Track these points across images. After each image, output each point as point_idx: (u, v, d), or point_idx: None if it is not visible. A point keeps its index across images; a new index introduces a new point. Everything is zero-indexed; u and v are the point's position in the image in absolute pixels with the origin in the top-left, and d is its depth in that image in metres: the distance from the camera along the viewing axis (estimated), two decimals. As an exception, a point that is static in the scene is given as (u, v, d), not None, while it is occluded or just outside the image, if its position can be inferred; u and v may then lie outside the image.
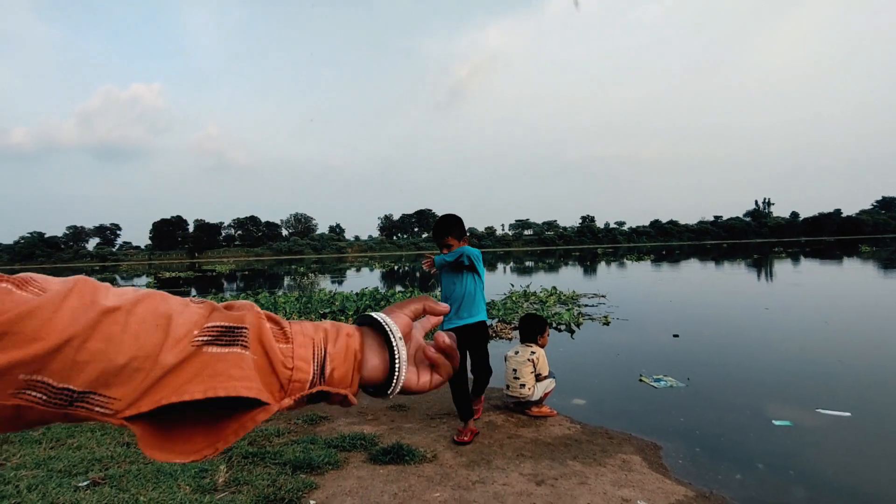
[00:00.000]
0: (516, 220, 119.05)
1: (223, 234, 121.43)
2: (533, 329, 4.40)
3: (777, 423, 3.85)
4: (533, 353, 4.21)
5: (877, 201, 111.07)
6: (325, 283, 23.37)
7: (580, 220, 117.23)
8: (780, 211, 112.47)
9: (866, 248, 38.37)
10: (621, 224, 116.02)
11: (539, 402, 4.14)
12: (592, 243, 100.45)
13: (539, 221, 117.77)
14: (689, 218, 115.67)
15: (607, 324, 8.78)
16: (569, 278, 21.61)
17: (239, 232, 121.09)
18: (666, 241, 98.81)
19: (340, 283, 25.02)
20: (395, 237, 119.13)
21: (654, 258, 38.43)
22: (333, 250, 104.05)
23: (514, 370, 4.21)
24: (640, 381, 5.14)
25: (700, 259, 35.10)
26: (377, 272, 33.83)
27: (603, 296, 12.67)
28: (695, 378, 5.19)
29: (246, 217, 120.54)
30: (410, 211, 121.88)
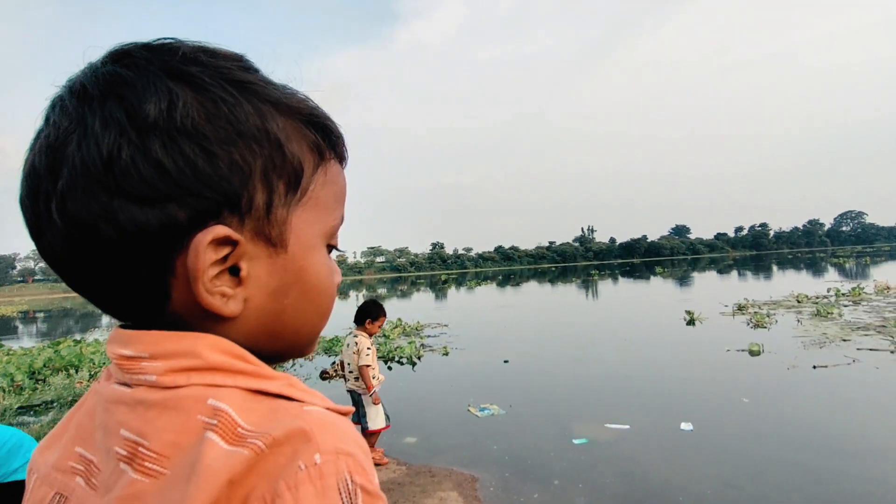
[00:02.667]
0: (368, 248, 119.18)
1: (17, 268, 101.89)
2: (362, 314, 4.23)
3: (576, 441, 4.41)
4: (356, 341, 4.10)
5: (671, 228, 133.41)
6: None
7: (431, 247, 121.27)
8: (602, 237, 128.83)
9: (661, 269, 45.70)
10: (469, 250, 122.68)
11: (370, 444, 4.16)
12: (442, 269, 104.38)
13: (391, 248, 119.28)
14: (528, 244, 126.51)
15: (446, 354, 9.20)
16: (417, 307, 22.18)
17: (40, 265, 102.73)
18: (509, 266, 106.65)
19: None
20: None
21: (500, 281, 41.29)
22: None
23: (347, 364, 4.14)
24: (468, 411, 5.49)
25: (538, 281, 38.61)
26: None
27: (445, 325, 13.25)
28: (516, 403, 5.69)
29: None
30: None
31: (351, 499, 0.31)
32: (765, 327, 10.01)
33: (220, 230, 0.35)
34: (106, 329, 18.92)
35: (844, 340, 8.23)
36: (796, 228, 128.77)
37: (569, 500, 3.38)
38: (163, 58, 0.36)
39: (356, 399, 4.07)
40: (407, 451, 4.41)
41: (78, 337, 13.78)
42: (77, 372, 8.08)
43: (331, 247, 0.44)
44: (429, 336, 11.51)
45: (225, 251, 0.35)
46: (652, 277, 34.08)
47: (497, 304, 21.23)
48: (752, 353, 7.64)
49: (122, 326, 0.39)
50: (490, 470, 3.91)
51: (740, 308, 12.89)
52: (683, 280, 29.49)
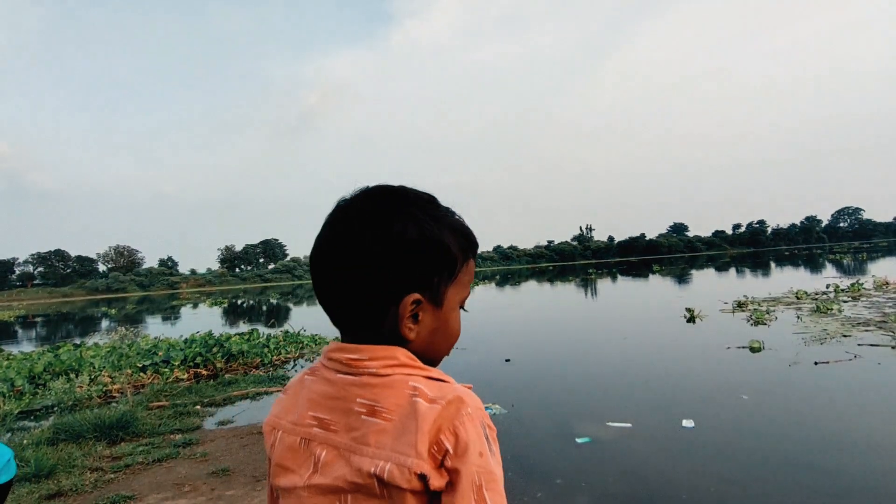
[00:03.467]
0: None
1: (17, 272, 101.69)
2: None
3: (579, 440, 4.40)
4: None
5: (669, 227, 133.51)
6: (155, 326, 20.82)
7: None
8: (600, 235, 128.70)
9: (657, 267, 45.80)
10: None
11: None
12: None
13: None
14: (527, 243, 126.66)
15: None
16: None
17: (40, 269, 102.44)
18: (508, 265, 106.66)
19: (173, 323, 22.52)
20: (237, 269, 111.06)
21: (499, 280, 41.28)
22: (164, 286, 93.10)
23: None
24: (470, 411, 5.49)
25: (537, 280, 38.60)
26: (217, 308, 31.16)
27: (445, 325, 13.22)
28: (518, 403, 5.69)
29: (50, 251, 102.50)
30: (255, 241, 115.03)
31: (486, 433, 0.61)
32: (765, 324, 10.02)
33: (416, 296, 0.65)
34: (105, 333, 18.87)
35: (845, 336, 8.24)
36: (794, 225, 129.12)
37: (572, 498, 3.38)
38: (396, 198, 0.67)
39: None
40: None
41: (78, 341, 13.75)
42: (77, 376, 8.05)
43: (462, 307, 0.73)
44: (429, 336, 11.50)
45: (414, 306, 0.65)
46: (651, 276, 34.08)
47: (497, 303, 21.23)
48: (753, 350, 7.65)
49: (344, 341, 0.69)
50: (493, 470, 3.90)
51: (740, 305, 12.90)
52: (682, 278, 29.51)
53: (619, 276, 36.06)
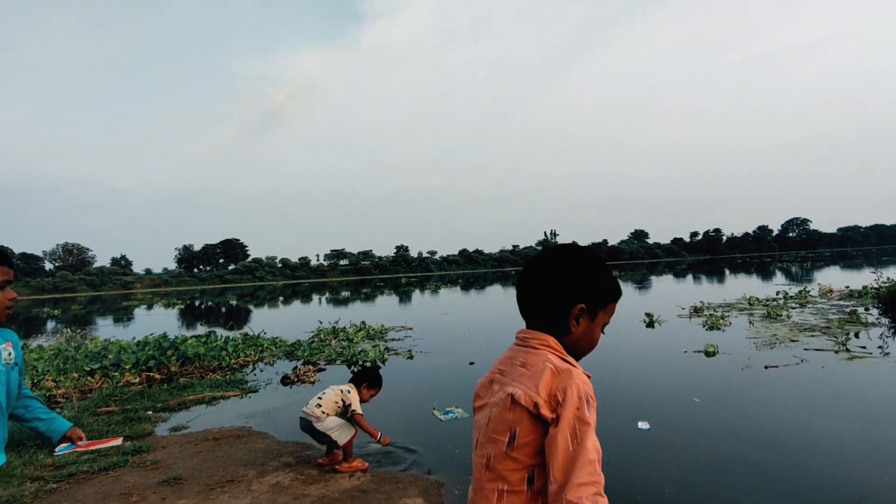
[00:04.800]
0: (332, 250, 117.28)
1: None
2: (363, 377, 4.33)
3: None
4: (349, 390, 4.14)
5: (631, 233, 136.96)
6: (106, 328, 19.90)
7: (395, 250, 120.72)
8: (564, 240, 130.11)
9: (616, 273, 46.87)
10: (433, 253, 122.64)
11: (346, 457, 4.08)
12: (406, 272, 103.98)
13: (355, 251, 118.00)
14: (492, 247, 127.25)
15: (411, 357, 9.13)
16: (381, 310, 21.99)
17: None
18: (473, 269, 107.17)
19: (126, 324, 21.58)
20: (196, 270, 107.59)
21: (463, 284, 41.37)
22: (117, 286, 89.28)
23: (321, 395, 4.11)
24: (433, 414, 5.46)
25: (501, 284, 38.86)
26: (173, 310, 30.10)
27: (410, 328, 13.17)
28: (480, 407, 5.69)
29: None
30: (215, 241, 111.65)
31: (588, 399, 0.98)
32: (720, 329, 10.37)
33: (583, 305, 1.08)
34: (51, 335, 17.94)
35: (793, 341, 8.61)
36: (747, 234, 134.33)
37: (534, 502, 3.39)
38: (579, 252, 1.13)
39: (306, 424, 4.05)
40: (371, 458, 4.34)
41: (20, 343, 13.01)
42: (18, 380, 7.61)
43: (602, 331, 1.15)
44: (393, 339, 11.41)
45: (580, 312, 1.09)
46: (612, 281, 34.84)
47: (462, 307, 21.27)
48: (708, 354, 7.90)
49: (528, 328, 1.14)
50: (455, 474, 3.89)
51: (696, 310, 13.32)
52: (642, 283, 30.29)
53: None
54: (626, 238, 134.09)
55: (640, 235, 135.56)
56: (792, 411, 5.09)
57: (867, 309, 11.65)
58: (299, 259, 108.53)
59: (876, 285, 12.41)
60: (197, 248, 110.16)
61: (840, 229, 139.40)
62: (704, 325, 10.87)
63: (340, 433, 4.00)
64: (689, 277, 35.05)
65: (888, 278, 11.51)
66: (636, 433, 4.61)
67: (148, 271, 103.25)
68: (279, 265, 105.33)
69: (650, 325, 11.47)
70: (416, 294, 32.50)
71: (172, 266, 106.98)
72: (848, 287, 16.77)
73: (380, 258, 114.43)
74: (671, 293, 21.42)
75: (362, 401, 4.24)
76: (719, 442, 4.34)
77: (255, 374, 8.39)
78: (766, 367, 6.83)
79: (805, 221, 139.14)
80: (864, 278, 18.21)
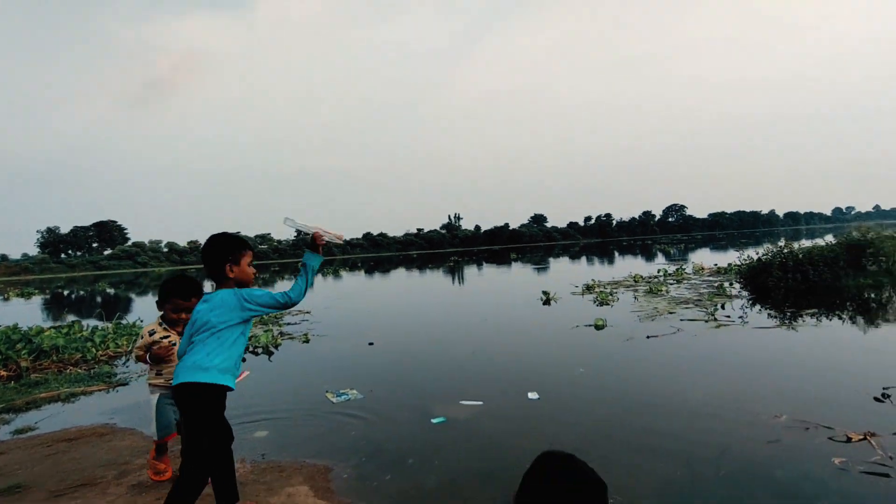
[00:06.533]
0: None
1: None
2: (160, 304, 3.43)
3: (434, 420, 4.35)
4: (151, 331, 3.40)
5: (530, 217, 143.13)
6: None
7: (295, 234, 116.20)
8: (468, 224, 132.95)
9: (514, 255, 49.03)
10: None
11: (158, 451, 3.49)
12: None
13: (252, 235, 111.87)
14: (396, 230, 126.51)
15: (307, 341, 8.72)
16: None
17: None
18: (378, 253, 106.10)
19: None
20: (64, 255, 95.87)
21: (367, 268, 40.78)
22: (-36, 274, 77.35)
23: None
24: (326, 398, 5.19)
25: (406, 268, 38.80)
26: (35, 300, 26.57)
27: (308, 312, 12.63)
28: (377, 387, 5.51)
29: None
30: (87, 222, 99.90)
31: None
32: (608, 304, 11.03)
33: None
34: None
35: (671, 313, 9.35)
36: (634, 218, 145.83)
37: (422, 477, 3.28)
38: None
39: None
40: (255, 448, 4.00)
41: None
42: None
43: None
44: (288, 324, 10.86)
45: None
46: (512, 263, 36.14)
47: (363, 290, 20.88)
48: (598, 328, 8.33)
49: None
50: (345, 458, 3.68)
51: (588, 288, 14.10)
52: (540, 264, 31.69)
53: (484, 264, 37.70)
54: (526, 222, 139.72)
55: (539, 219, 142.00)
56: (668, 376, 5.47)
57: (731, 283, 13.00)
58: (188, 243, 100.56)
59: (738, 263, 13.88)
60: (65, 230, 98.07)
61: (710, 215, 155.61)
62: (595, 301, 11.51)
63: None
64: (583, 258, 37.27)
65: (748, 257, 12.91)
66: (526, 402, 4.69)
67: (3, 257, 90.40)
68: (165, 249, 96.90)
69: (546, 302, 11.94)
70: (318, 278, 31.48)
71: (34, 251, 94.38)
72: (716, 265, 18.68)
73: (279, 242, 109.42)
74: (566, 272, 22.57)
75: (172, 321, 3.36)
76: (602, 407, 4.52)
77: (126, 366, 7.54)
78: (647, 338, 7.32)
79: (682, 207, 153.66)
80: (729, 257, 20.41)
